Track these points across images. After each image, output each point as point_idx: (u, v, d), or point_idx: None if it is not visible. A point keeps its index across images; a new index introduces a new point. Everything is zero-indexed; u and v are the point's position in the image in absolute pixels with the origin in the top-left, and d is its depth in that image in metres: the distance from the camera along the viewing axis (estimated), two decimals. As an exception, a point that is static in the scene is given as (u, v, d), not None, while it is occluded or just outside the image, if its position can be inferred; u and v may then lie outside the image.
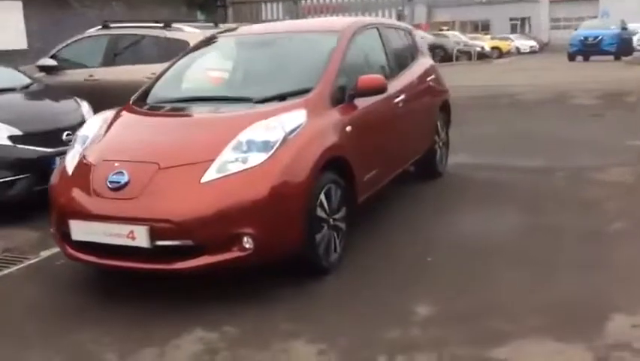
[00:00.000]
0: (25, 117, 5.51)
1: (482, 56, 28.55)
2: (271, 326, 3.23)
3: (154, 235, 3.29)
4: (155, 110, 4.22)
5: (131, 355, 3.01)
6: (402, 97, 5.00)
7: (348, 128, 4.09)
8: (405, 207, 5.28)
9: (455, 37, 30.61)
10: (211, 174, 3.39)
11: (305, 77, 4.20)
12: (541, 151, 7.24)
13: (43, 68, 7.98)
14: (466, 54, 28.28)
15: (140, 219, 3.31)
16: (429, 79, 5.79)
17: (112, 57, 7.83)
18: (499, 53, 33.95)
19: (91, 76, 7.68)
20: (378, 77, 4.32)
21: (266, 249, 3.41)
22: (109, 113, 4.23)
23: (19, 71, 6.71)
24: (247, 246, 3.35)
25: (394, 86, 5.00)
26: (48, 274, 4.12)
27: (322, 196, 3.74)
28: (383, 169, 4.74)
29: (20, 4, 10.54)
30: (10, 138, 5.27)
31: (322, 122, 3.91)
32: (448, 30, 39.23)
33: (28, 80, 6.47)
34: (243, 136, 3.55)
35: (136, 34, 7.83)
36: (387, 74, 5.05)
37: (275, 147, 3.53)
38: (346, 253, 4.08)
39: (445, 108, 6.29)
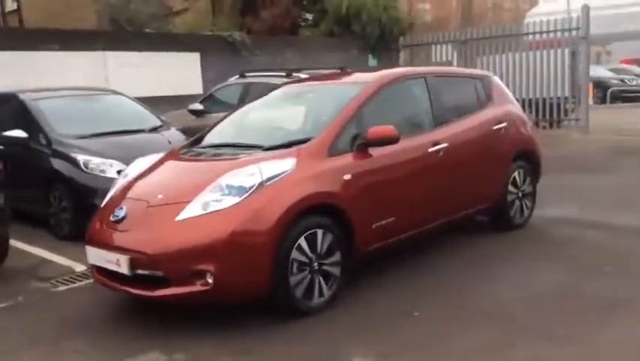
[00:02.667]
0: (135, 155, 6.47)
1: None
2: (213, 357, 3.51)
3: (133, 264, 3.79)
4: (184, 155, 4.77)
5: (89, 365, 3.53)
6: (444, 146, 4.92)
7: (347, 177, 4.22)
8: (448, 256, 5.13)
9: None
10: (187, 213, 3.80)
11: (315, 127, 4.43)
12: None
13: (192, 112, 9.19)
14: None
15: (124, 249, 3.85)
16: (497, 127, 5.55)
17: (244, 102, 8.72)
18: None
19: (227, 119, 8.63)
20: (388, 128, 4.37)
21: (227, 287, 3.71)
22: (157, 156, 4.90)
23: (156, 115, 7.83)
24: (210, 281, 3.69)
25: (436, 135, 4.97)
26: (97, 291, 4.83)
27: (302, 240, 3.93)
28: (409, 218, 4.72)
29: (198, 55, 12.16)
30: (119, 172, 6.26)
31: (312, 170, 4.10)
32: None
33: (158, 123, 7.56)
34: (223, 180, 3.91)
35: (262, 82, 8.62)
36: (430, 123, 5.06)
37: (249, 192, 3.83)
38: (348, 292, 4.23)
39: (528, 158, 5.93)
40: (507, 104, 5.92)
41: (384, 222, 4.48)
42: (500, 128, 5.59)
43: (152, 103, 10.57)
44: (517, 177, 5.80)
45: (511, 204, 5.75)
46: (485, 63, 14.48)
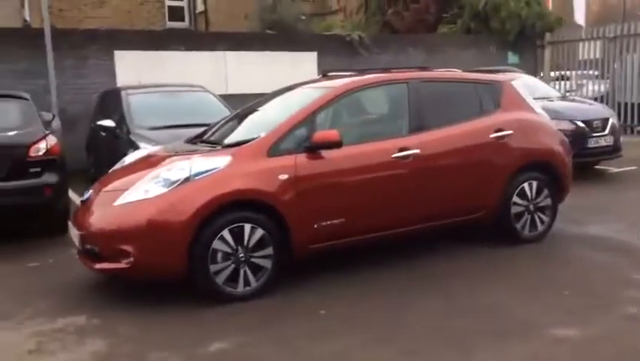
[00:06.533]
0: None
1: None
2: (116, 325, 4.01)
3: (82, 240, 4.45)
4: (165, 151, 5.26)
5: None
6: (413, 152, 4.86)
7: (283, 177, 4.43)
8: (427, 264, 5.05)
9: None
10: (123, 199, 4.34)
11: (269, 128, 4.67)
12: None
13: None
14: None
15: (79, 225, 4.52)
16: (497, 135, 5.26)
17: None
18: None
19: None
20: (332, 132, 4.52)
21: (145, 267, 4.19)
22: (155, 148, 5.51)
23: (231, 111, 8.50)
24: (132, 260, 4.19)
25: (407, 141, 4.93)
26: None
27: (225, 232, 4.26)
28: (365, 221, 4.77)
29: (315, 54, 12.68)
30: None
31: (246, 168, 4.38)
32: None
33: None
34: (159, 173, 4.39)
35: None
36: (404, 129, 5.02)
37: (175, 185, 4.25)
38: (291, 285, 4.54)
39: (545, 169, 5.52)
40: (520, 112, 5.54)
41: (329, 222, 4.60)
42: (502, 137, 5.29)
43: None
44: (528, 189, 5.44)
45: (517, 216, 5.42)
46: (634, 61, 13.08)
